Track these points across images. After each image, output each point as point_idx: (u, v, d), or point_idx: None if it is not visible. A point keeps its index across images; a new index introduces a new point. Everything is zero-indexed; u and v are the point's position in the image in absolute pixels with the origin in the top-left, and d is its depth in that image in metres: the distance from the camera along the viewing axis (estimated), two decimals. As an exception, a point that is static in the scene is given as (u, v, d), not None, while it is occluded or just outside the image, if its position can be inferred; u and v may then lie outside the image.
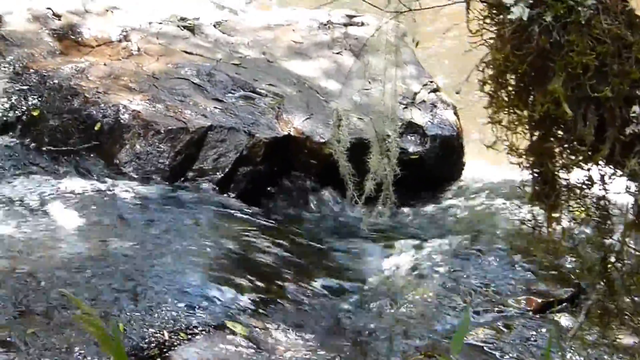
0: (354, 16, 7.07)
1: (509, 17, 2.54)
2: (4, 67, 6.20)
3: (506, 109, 2.74)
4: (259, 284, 4.85)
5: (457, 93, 4.25)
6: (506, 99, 2.72)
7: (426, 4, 4.23)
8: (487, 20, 2.68)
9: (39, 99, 6.05)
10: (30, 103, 6.03)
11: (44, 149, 5.89)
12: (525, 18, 2.52)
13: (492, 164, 6.39)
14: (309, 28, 6.96)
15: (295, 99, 6.19)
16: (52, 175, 5.70)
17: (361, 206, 4.71)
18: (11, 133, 5.94)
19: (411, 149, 6.15)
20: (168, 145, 5.76)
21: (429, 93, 6.56)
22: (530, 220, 2.72)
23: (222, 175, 5.76)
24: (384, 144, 4.40)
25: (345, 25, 6.97)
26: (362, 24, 7.00)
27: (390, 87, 4.48)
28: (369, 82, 5.06)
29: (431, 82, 6.71)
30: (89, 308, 2.76)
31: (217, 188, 5.73)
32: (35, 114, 5.99)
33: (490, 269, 5.15)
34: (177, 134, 5.78)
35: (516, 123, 2.72)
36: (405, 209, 5.94)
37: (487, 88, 2.77)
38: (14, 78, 6.14)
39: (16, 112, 6.00)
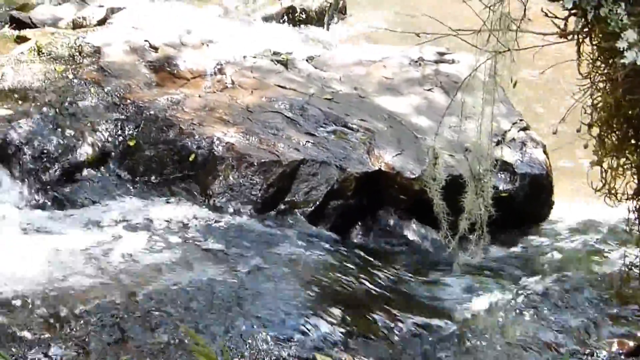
0: (445, 53, 7.09)
1: (621, 61, 2.55)
2: (103, 97, 6.32)
3: (613, 153, 2.74)
4: (349, 316, 4.88)
5: (554, 133, 4.24)
6: (614, 142, 2.72)
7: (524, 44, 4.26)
8: (598, 63, 2.70)
9: (136, 129, 6.16)
10: (127, 133, 6.14)
11: (139, 178, 5.99)
12: (639, 62, 2.52)
13: (582, 204, 6.35)
14: (400, 64, 6.99)
15: (386, 135, 6.22)
16: (146, 205, 5.80)
17: (453, 244, 4.73)
18: (108, 162, 6.05)
19: (501, 186, 6.13)
20: (261, 177, 5.82)
21: (518, 131, 6.55)
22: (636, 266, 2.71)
23: (313, 208, 5.80)
24: (479, 183, 4.43)
25: (436, 62, 7.00)
26: (453, 62, 7.02)
27: (485, 125, 4.51)
28: (461, 120, 5.07)
29: (521, 120, 6.69)
30: (203, 341, 2.80)
31: (308, 221, 5.77)
32: (131, 143, 6.09)
33: (581, 310, 5.11)
34: (270, 166, 5.84)
35: (623, 167, 2.72)
36: (494, 247, 5.91)
37: (594, 131, 2.78)
38: (111, 108, 6.25)
39: (113, 141, 6.11)
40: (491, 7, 3.92)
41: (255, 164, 5.86)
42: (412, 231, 5.95)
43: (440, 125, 5.82)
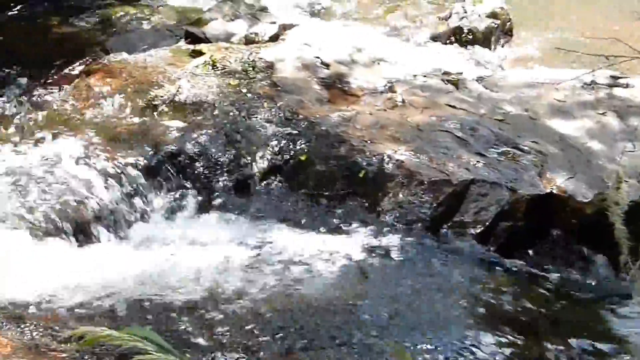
0: (619, 77, 6.96)
1: None
2: (275, 112, 6.42)
3: None
4: (516, 339, 4.84)
5: None
6: None
7: None
8: None
9: (307, 144, 6.23)
10: (298, 148, 6.22)
11: (310, 192, 6.06)
12: None
13: None
14: (572, 87, 6.88)
15: (558, 158, 6.15)
16: (316, 219, 5.87)
17: (634, 271, 4.64)
18: (279, 176, 6.16)
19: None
20: (430, 196, 5.83)
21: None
22: None
23: (482, 228, 5.77)
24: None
25: (610, 86, 6.88)
26: (627, 86, 6.89)
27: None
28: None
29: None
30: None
31: (476, 241, 5.74)
32: (303, 158, 6.17)
33: None
34: (440, 185, 5.84)
35: None
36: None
37: None
38: (283, 123, 6.34)
39: (284, 155, 6.20)
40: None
41: (425, 182, 5.86)
42: (583, 256, 5.84)
43: (613, 149, 5.74)
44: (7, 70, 7.49)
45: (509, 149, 6.20)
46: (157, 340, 3.44)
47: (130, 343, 3.28)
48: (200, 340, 4.62)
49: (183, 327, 4.69)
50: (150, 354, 3.22)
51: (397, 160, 5.99)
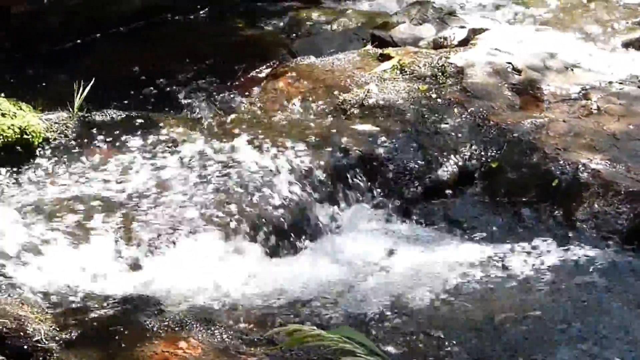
0: None
1: None
2: (466, 117, 6.37)
3: None
4: None
5: None
6: None
7: None
8: None
9: (498, 151, 6.16)
10: (489, 155, 6.16)
11: (501, 200, 5.97)
12: None
13: None
14: None
15: None
16: (506, 227, 5.79)
17: None
18: (470, 183, 6.11)
19: None
20: (627, 207, 5.64)
21: None
22: None
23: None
24: None
25: None
26: None
27: None
28: None
29: None
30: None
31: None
32: (493, 165, 6.10)
33: None
34: (638, 196, 5.66)
35: None
36: None
37: None
38: (474, 129, 6.29)
39: (475, 162, 6.14)
40: None
41: (623, 192, 5.69)
42: None
43: None
44: (194, 73, 7.62)
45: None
46: (366, 343, 3.40)
47: (339, 344, 3.26)
48: (391, 348, 4.60)
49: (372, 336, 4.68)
50: (359, 356, 3.20)
51: (593, 169, 5.84)
